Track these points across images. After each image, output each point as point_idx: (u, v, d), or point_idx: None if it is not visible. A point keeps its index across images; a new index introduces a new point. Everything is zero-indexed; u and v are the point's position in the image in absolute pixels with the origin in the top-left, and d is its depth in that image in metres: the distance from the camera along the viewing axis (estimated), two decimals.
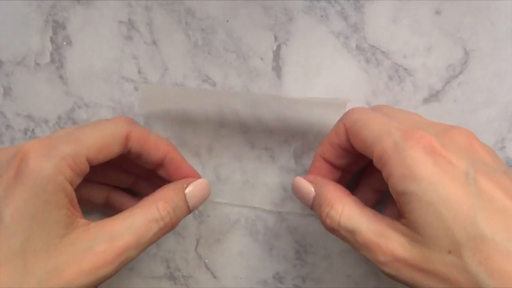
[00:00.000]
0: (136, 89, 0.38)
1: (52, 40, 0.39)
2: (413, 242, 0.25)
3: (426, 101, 0.37)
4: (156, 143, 0.32)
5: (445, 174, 0.24)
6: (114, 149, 0.30)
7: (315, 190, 0.31)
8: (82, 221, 0.28)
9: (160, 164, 0.33)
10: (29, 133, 0.40)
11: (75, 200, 0.28)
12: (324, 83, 0.37)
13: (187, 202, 0.31)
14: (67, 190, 0.27)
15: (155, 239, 0.29)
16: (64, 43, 0.39)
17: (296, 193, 0.33)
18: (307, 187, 0.32)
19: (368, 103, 0.37)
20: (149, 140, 0.32)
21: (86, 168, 0.28)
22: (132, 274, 0.41)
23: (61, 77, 0.39)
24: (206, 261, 0.41)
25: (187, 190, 0.32)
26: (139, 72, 0.38)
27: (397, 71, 0.37)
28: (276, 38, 0.37)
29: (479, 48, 0.36)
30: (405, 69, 0.37)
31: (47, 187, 0.25)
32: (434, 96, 0.37)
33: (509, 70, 0.36)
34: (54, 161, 0.26)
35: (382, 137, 0.27)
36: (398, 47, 0.36)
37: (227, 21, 0.37)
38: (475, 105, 0.37)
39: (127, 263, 0.28)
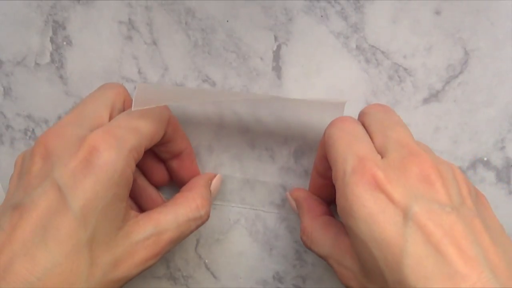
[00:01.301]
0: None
1: (52, 40, 0.39)
2: (362, 272, 0.25)
3: (426, 101, 0.37)
4: (183, 133, 0.33)
5: (382, 214, 0.23)
6: (160, 135, 0.30)
7: (296, 207, 0.35)
8: (133, 212, 0.29)
9: (178, 155, 0.34)
10: (29, 133, 0.40)
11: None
12: (324, 83, 0.37)
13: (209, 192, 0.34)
14: (130, 182, 0.27)
15: (190, 233, 0.31)
16: (64, 43, 0.39)
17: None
18: (292, 204, 0.36)
19: (368, 103, 0.37)
20: (179, 128, 0.33)
21: (141, 157, 0.29)
22: None
23: (61, 77, 0.39)
24: (206, 261, 0.41)
25: (211, 186, 0.34)
26: (139, 72, 0.38)
27: (397, 71, 0.37)
28: (276, 38, 0.37)
29: (479, 48, 0.36)
30: (405, 69, 0.37)
31: (120, 181, 0.26)
32: (434, 96, 0.37)
33: (509, 70, 0.36)
34: (124, 154, 0.26)
35: (338, 162, 0.26)
36: (398, 47, 0.36)
37: (227, 21, 0.37)
38: (475, 105, 0.37)
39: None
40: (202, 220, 0.31)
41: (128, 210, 0.28)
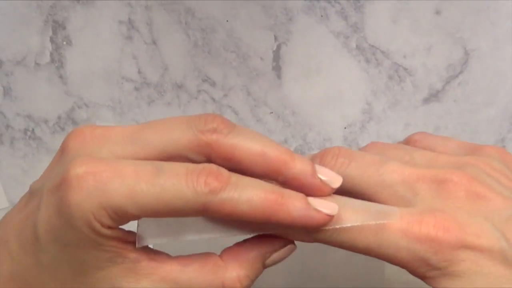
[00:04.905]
0: (136, 89, 0.38)
1: (52, 40, 0.39)
2: None
3: (426, 101, 0.37)
4: (250, 214, 0.23)
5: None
6: (179, 215, 0.23)
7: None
8: (132, 255, 0.23)
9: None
10: (29, 133, 0.40)
11: (119, 237, 0.23)
12: (324, 83, 0.37)
13: (261, 268, 0.25)
14: (104, 233, 0.22)
15: None
16: (64, 43, 0.39)
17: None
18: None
19: (368, 103, 0.37)
20: (238, 212, 0.23)
21: (133, 219, 0.23)
22: None
23: (61, 77, 0.39)
24: None
25: (268, 261, 0.24)
26: (139, 72, 0.38)
27: (397, 71, 0.37)
28: (276, 38, 0.37)
29: (479, 48, 0.36)
30: (405, 69, 0.37)
31: (81, 229, 0.22)
32: (434, 96, 0.37)
33: (509, 70, 0.36)
34: (91, 208, 0.21)
35: None
36: (398, 47, 0.36)
37: (227, 21, 0.37)
38: (475, 105, 0.37)
39: None
40: None
41: (119, 254, 0.23)
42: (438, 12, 0.36)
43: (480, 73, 0.36)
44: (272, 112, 0.38)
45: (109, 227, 0.22)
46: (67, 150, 0.24)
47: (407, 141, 0.28)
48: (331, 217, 0.22)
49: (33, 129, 0.40)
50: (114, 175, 0.21)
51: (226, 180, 0.21)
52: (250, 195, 0.21)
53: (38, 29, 0.39)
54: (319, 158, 0.25)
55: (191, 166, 0.21)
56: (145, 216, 0.22)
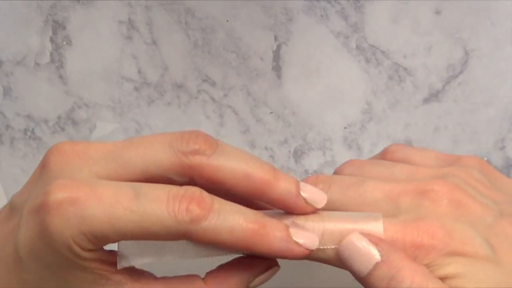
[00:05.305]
0: (136, 89, 0.38)
1: (52, 40, 0.39)
2: None
3: (426, 101, 0.37)
4: (231, 242, 0.23)
5: None
6: (160, 240, 0.23)
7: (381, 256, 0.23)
8: (116, 277, 0.23)
9: None
10: (28, 133, 0.40)
11: (101, 258, 0.23)
12: (324, 83, 0.37)
13: None
14: (84, 256, 0.22)
15: None
16: (64, 43, 0.39)
17: (348, 256, 0.24)
18: (371, 250, 0.23)
19: (368, 103, 0.37)
20: (219, 241, 0.22)
21: (113, 242, 0.22)
22: None
23: (61, 77, 0.39)
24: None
25: (252, 284, 0.24)
26: (139, 72, 0.38)
27: (397, 71, 0.37)
28: (276, 38, 0.37)
29: (479, 48, 0.36)
30: (405, 69, 0.37)
31: (61, 252, 0.22)
32: (434, 96, 0.37)
33: (509, 70, 0.36)
34: (70, 234, 0.21)
35: None
36: (398, 47, 0.36)
37: (227, 21, 0.37)
38: (475, 105, 0.37)
39: None
40: None
41: (101, 277, 0.23)
42: (438, 12, 0.36)
43: (480, 73, 0.36)
44: (272, 112, 0.38)
45: (90, 250, 0.22)
46: (48, 167, 0.23)
47: (384, 153, 0.28)
48: (310, 251, 0.22)
49: (33, 129, 0.40)
50: (93, 200, 0.21)
51: (208, 208, 0.21)
52: (232, 224, 0.21)
53: (38, 29, 0.39)
54: None
55: (173, 190, 0.21)
56: (125, 239, 0.22)
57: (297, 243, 0.22)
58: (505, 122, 0.37)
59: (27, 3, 0.38)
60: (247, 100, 0.38)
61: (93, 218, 0.21)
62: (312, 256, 0.23)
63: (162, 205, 0.21)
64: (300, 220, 0.23)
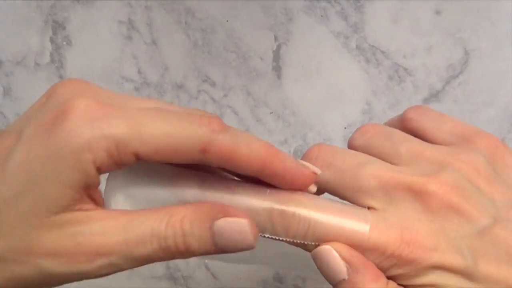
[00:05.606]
0: (136, 89, 0.38)
1: (52, 40, 0.39)
2: None
3: (426, 101, 0.37)
4: (249, 157, 0.23)
5: None
6: (179, 157, 0.22)
7: (348, 274, 0.24)
8: (87, 206, 0.23)
9: (254, 175, 0.25)
10: None
11: (95, 186, 0.22)
12: (324, 83, 0.37)
13: (212, 237, 0.23)
14: (88, 173, 0.21)
15: (156, 259, 0.23)
16: (64, 43, 0.39)
17: (319, 264, 0.25)
18: (340, 266, 0.24)
19: (368, 103, 0.37)
20: (237, 155, 0.23)
21: (129, 161, 0.22)
22: (132, 275, 0.41)
23: (61, 77, 0.39)
24: (206, 261, 0.41)
25: (216, 224, 0.23)
26: (139, 72, 0.38)
27: (397, 71, 0.37)
28: (276, 38, 0.37)
29: (479, 48, 0.36)
30: (405, 69, 0.37)
31: (66, 159, 0.21)
32: (434, 96, 0.37)
33: (509, 70, 0.36)
34: (90, 136, 0.20)
35: None
36: (398, 47, 0.36)
37: (227, 21, 0.37)
38: (475, 105, 0.37)
39: (113, 272, 0.23)
40: (168, 244, 0.22)
41: (80, 202, 0.22)
42: (438, 12, 0.36)
43: (480, 73, 0.36)
44: (272, 112, 0.38)
45: (98, 169, 0.21)
46: (57, 94, 0.23)
47: (402, 119, 0.28)
48: (316, 175, 0.23)
49: None
50: (119, 109, 0.21)
51: (227, 126, 0.22)
52: (249, 139, 0.22)
53: (38, 29, 0.39)
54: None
55: (192, 109, 0.22)
56: (144, 156, 0.22)
57: (304, 165, 0.23)
58: (505, 122, 0.37)
59: (27, 3, 0.38)
60: (247, 100, 0.38)
61: (119, 123, 0.21)
62: (298, 244, 0.24)
63: (184, 116, 0.21)
64: (283, 202, 0.23)
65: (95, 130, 0.20)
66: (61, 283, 0.22)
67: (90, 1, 0.38)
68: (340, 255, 0.23)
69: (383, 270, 0.23)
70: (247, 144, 0.22)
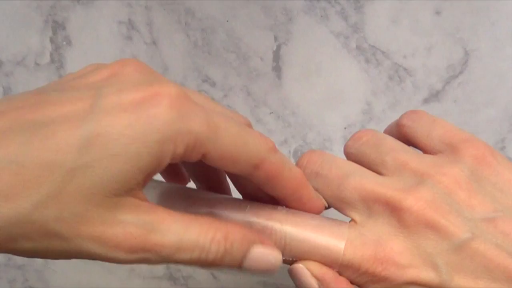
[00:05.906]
0: None
1: (52, 40, 0.39)
2: None
3: (426, 101, 0.37)
4: (288, 180, 0.24)
5: None
6: (235, 167, 0.23)
7: None
8: (141, 195, 0.22)
9: (280, 196, 0.26)
10: None
11: (157, 172, 0.22)
12: (324, 83, 0.37)
13: (243, 259, 0.23)
14: (163, 163, 0.21)
15: (185, 264, 0.23)
16: (64, 43, 0.39)
17: (294, 280, 0.26)
18: (311, 284, 0.25)
19: (368, 103, 0.37)
20: (281, 177, 0.24)
21: (195, 159, 0.22)
22: (132, 275, 0.41)
23: (61, 77, 0.39)
24: None
25: (254, 250, 0.23)
26: None
27: (397, 71, 0.37)
28: (276, 38, 0.37)
29: (479, 48, 0.36)
30: (405, 69, 0.37)
31: (150, 146, 0.20)
32: (434, 96, 0.37)
33: (509, 70, 0.36)
34: (179, 129, 0.20)
35: None
36: (398, 47, 0.36)
37: (227, 21, 0.37)
38: (475, 105, 0.37)
39: (141, 264, 0.23)
40: (207, 257, 0.22)
41: (139, 189, 0.22)
42: (438, 12, 0.36)
43: (480, 73, 0.36)
44: (272, 112, 0.38)
45: (172, 158, 0.21)
46: (125, 74, 0.24)
47: (397, 125, 0.28)
48: (325, 207, 0.26)
49: None
50: (200, 106, 0.21)
51: (276, 147, 0.24)
52: (291, 164, 0.24)
53: (38, 29, 0.39)
54: None
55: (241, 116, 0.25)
56: (210, 158, 0.22)
57: (319, 197, 0.26)
58: (505, 122, 0.37)
59: (27, 3, 0.38)
60: (247, 100, 0.38)
61: (202, 121, 0.21)
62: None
63: (249, 129, 0.23)
64: (261, 219, 0.25)
65: (183, 123, 0.20)
66: (84, 258, 0.22)
67: (90, 1, 0.38)
68: (312, 273, 0.24)
69: (359, 285, 0.24)
70: (290, 168, 0.24)
